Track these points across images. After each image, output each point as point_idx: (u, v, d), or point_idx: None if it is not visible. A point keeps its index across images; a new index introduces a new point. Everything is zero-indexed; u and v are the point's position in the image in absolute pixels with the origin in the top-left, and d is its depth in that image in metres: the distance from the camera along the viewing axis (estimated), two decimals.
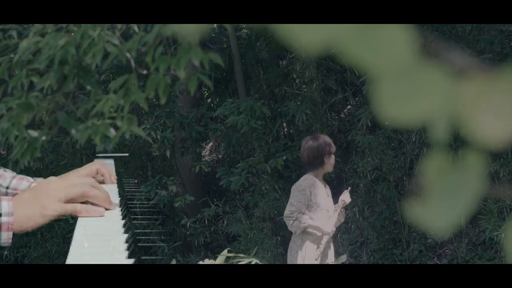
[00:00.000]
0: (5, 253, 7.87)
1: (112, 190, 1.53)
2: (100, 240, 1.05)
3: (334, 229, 4.15)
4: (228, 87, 8.57)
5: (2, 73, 1.49)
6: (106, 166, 1.66)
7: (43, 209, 1.16)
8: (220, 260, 4.27)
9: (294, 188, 4.12)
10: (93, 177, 1.56)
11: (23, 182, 1.52)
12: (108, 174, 1.63)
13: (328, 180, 7.13)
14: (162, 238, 7.62)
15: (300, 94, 7.46)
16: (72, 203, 1.21)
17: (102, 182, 1.60)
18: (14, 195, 1.46)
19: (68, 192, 1.19)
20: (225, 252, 4.04)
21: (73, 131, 1.32)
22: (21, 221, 1.14)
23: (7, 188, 1.49)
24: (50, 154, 7.82)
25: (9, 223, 1.12)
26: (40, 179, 1.54)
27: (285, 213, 4.10)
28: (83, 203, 1.24)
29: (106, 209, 1.26)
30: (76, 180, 1.24)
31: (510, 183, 6.03)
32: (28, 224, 1.15)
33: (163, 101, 1.26)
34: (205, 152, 9.59)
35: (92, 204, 1.25)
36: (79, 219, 1.21)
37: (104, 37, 1.31)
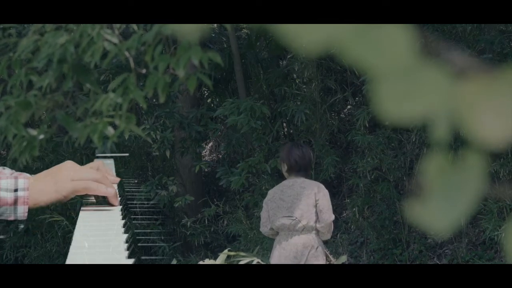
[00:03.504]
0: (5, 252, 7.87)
1: None
2: (100, 240, 1.06)
3: None
4: (228, 87, 8.57)
5: (1, 71, 1.49)
6: (105, 166, 1.67)
7: (56, 185, 1.21)
8: (221, 259, 4.26)
9: (326, 193, 4.14)
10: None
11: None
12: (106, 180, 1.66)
13: (328, 180, 7.15)
14: (162, 238, 7.62)
15: (300, 94, 7.46)
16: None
17: None
18: None
19: (81, 174, 1.24)
20: (226, 251, 4.01)
21: (71, 130, 1.33)
22: (35, 196, 1.18)
23: None
24: (50, 154, 7.81)
25: (25, 197, 1.17)
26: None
27: (330, 219, 4.10)
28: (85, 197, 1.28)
29: (112, 205, 1.30)
30: (90, 168, 1.28)
31: (510, 183, 6.03)
32: (42, 198, 1.19)
33: (162, 99, 1.26)
34: (205, 152, 9.59)
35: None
36: (79, 219, 1.21)
37: (103, 36, 1.31)
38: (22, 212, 1.16)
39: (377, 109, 0.39)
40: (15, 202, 1.15)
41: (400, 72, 0.38)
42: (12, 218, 1.16)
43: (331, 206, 4.13)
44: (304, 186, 4.12)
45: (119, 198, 1.42)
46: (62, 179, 1.21)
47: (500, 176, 5.98)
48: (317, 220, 4.08)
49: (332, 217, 4.11)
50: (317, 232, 4.11)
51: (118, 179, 1.68)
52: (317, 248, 4.11)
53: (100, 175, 1.28)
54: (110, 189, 1.27)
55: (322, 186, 4.16)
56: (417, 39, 0.42)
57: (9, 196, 1.15)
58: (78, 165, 1.29)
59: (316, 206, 4.07)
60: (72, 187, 1.22)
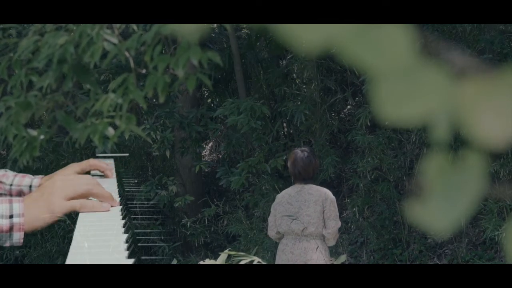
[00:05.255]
0: (16, 252, 7.86)
1: (112, 190, 1.53)
2: (100, 240, 1.06)
3: None
4: (228, 87, 8.58)
5: (1, 72, 1.49)
6: (102, 161, 1.68)
7: (50, 208, 1.20)
8: (221, 259, 4.28)
9: (334, 200, 4.19)
10: (89, 172, 1.62)
11: (25, 178, 1.55)
12: (105, 168, 1.67)
13: (328, 180, 7.16)
14: (162, 238, 7.62)
15: (300, 94, 7.46)
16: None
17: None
18: (17, 190, 1.52)
19: (74, 190, 1.23)
20: (226, 251, 4.03)
21: (72, 130, 1.33)
22: (31, 221, 1.18)
23: (11, 185, 1.52)
24: (50, 154, 7.82)
25: (21, 223, 1.16)
26: (40, 177, 1.57)
27: (337, 226, 4.15)
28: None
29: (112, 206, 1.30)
30: (81, 179, 1.27)
31: (510, 183, 6.03)
32: (37, 223, 1.19)
33: (162, 99, 1.26)
34: (205, 152, 9.59)
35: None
36: (79, 219, 1.21)
37: (102, 36, 1.31)
38: (17, 238, 1.16)
39: (377, 110, 0.39)
40: (11, 229, 1.15)
41: (400, 72, 0.38)
42: (7, 244, 1.16)
43: (338, 213, 4.19)
44: (312, 192, 4.18)
45: (119, 198, 1.42)
46: (56, 200, 1.21)
47: (500, 176, 5.98)
48: (324, 226, 4.13)
49: (339, 224, 4.18)
50: (324, 237, 4.16)
51: (112, 167, 1.70)
52: (325, 252, 4.16)
53: (93, 183, 1.27)
54: (105, 205, 1.27)
55: (329, 193, 4.23)
56: (417, 39, 0.42)
57: (4, 223, 1.14)
58: (69, 177, 1.28)
59: (323, 212, 4.13)
60: (66, 208, 1.22)
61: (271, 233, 4.30)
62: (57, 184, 1.24)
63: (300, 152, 4.28)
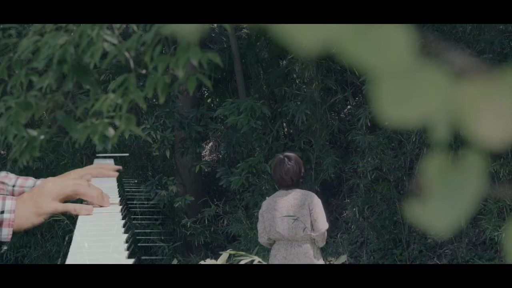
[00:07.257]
0: (5, 252, 7.87)
1: (112, 190, 1.54)
2: (100, 240, 1.06)
3: None
4: (228, 87, 8.57)
5: (1, 72, 1.49)
6: (104, 165, 1.70)
7: (38, 208, 1.24)
8: (221, 259, 4.28)
9: (319, 202, 4.18)
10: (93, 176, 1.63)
11: (29, 180, 1.59)
12: (107, 171, 1.69)
13: (328, 180, 7.15)
14: (162, 238, 7.62)
15: (300, 94, 7.46)
16: (66, 201, 1.29)
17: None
18: (20, 192, 1.55)
19: (60, 191, 1.27)
20: (226, 251, 4.03)
21: (72, 131, 1.33)
22: (19, 220, 1.20)
23: (14, 186, 1.55)
24: (50, 154, 7.82)
25: (10, 219, 1.19)
26: (42, 180, 1.58)
27: (325, 228, 4.15)
28: (80, 201, 1.31)
29: (101, 206, 1.32)
30: (69, 180, 1.30)
31: (510, 183, 6.03)
32: (25, 224, 1.22)
33: (162, 100, 1.26)
34: (205, 152, 9.59)
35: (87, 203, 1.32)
36: (79, 219, 1.22)
37: (102, 37, 1.31)
38: (6, 234, 1.18)
39: (377, 110, 0.39)
40: (0, 224, 1.17)
41: (400, 72, 0.38)
42: None
43: (324, 215, 4.19)
44: (297, 197, 4.19)
45: (118, 198, 1.43)
46: (43, 202, 1.24)
47: (500, 176, 5.98)
48: (312, 229, 4.12)
49: (327, 225, 4.18)
50: (313, 240, 4.17)
51: (118, 167, 1.73)
52: (317, 255, 4.18)
53: (80, 184, 1.29)
54: (88, 208, 1.29)
55: (314, 196, 4.23)
56: (417, 39, 0.42)
57: None
58: (61, 180, 1.32)
59: (310, 215, 4.12)
60: (52, 209, 1.25)
61: (262, 240, 4.33)
62: (47, 186, 1.27)
63: (282, 158, 4.26)
